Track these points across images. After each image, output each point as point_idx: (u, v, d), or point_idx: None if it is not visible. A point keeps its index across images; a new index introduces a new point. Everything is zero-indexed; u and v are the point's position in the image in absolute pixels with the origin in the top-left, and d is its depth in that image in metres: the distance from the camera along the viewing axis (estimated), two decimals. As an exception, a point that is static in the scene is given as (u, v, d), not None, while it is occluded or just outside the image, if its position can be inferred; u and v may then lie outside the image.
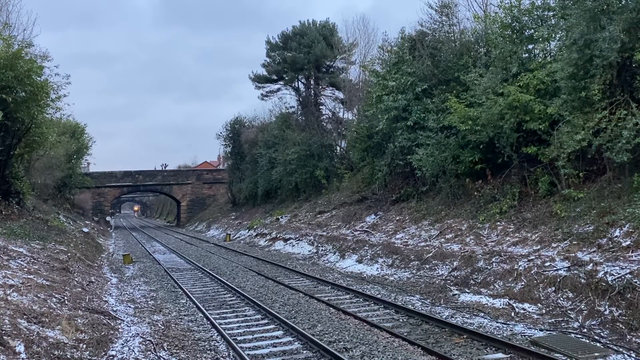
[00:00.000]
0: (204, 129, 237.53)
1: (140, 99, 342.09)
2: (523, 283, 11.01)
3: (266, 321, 10.31)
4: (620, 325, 8.44)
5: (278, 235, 27.07)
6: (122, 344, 8.16)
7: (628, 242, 10.40)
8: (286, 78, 41.72)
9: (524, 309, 10.14)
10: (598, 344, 8.00)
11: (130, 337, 8.66)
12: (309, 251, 21.89)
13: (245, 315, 10.92)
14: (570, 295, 9.80)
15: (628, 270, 9.22)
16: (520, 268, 11.49)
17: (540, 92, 15.17)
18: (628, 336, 8.12)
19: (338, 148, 35.71)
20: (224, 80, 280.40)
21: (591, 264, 10.02)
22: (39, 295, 9.21)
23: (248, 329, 9.72)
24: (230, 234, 34.06)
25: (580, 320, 9.04)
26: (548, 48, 16.68)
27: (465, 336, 8.76)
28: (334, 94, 40.75)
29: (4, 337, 6.46)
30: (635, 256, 9.82)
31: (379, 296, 12.15)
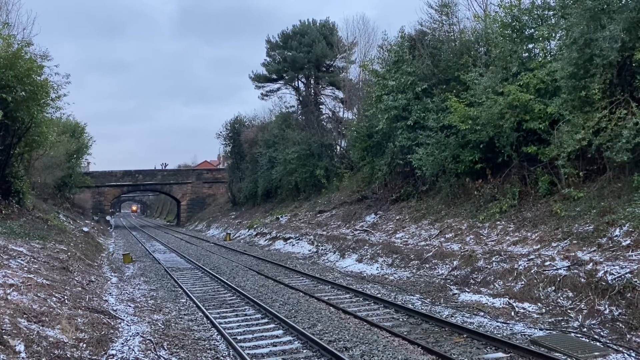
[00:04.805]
0: (208, 131, 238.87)
1: (151, 102, 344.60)
2: (523, 282, 11.01)
3: (266, 320, 10.31)
4: (620, 325, 8.44)
5: (278, 235, 27.08)
6: (122, 343, 8.15)
7: (628, 242, 10.40)
8: (286, 77, 41.71)
9: (523, 309, 10.14)
10: (598, 343, 8.00)
11: (130, 336, 8.65)
12: (309, 250, 21.89)
13: (245, 315, 10.92)
14: (570, 294, 9.80)
15: (628, 270, 9.22)
16: (520, 267, 11.49)
17: (540, 91, 15.17)
18: (628, 335, 8.12)
19: (338, 147, 35.70)
20: (232, 86, 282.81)
21: (591, 264, 10.02)
22: (39, 295, 9.20)
23: (248, 328, 9.72)
24: (230, 234, 34.06)
25: (580, 320, 9.04)
26: (548, 47, 16.67)
27: (465, 335, 8.76)
28: (334, 94, 40.77)
29: (4, 336, 6.46)
30: (635, 255, 9.82)
31: (379, 295, 12.15)
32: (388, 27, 63.94)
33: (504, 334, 8.79)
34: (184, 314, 10.97)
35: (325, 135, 35.00)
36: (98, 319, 9.15)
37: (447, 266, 13.85)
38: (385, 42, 23.89)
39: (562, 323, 9.13)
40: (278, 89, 43.82)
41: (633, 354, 7.50)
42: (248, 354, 8.01)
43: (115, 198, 65.19)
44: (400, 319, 10.14)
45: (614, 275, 9.26)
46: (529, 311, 9.98)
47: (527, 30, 16.91)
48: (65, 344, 7.16)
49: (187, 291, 13.50)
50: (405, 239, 17.86)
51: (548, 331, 8.79)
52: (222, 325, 9.77)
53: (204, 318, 10.56)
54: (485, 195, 16.97)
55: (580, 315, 9.14)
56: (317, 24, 40.71)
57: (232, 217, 44.17)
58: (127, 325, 9.38)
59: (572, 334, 8.52)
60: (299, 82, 42.03)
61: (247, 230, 33.79)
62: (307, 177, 33.97)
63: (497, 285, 11.60)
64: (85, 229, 29.54)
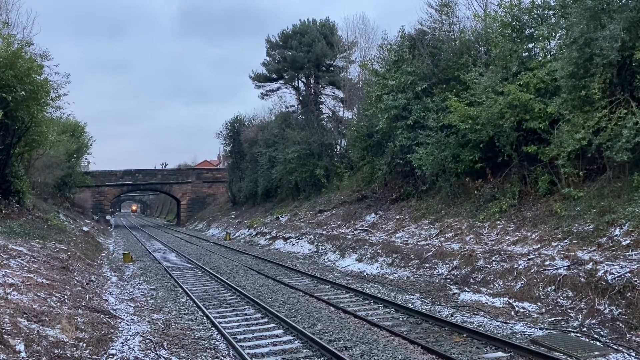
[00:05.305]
0: (209, 130, 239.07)
1: (152, 102, 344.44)
2: (523, 282, 11.01)
3: (266, 320, 10.31)
4: (620, 324, 8.44)
5: (278, 234, 27.08)
6: (122, 343, 8.15)
7: (628, 241, 10.40)
8: (286, 77, 41.70)
9: (523, 308, 10.14)
10: (598, 343, 8.00)
11: (130, 335, 8.65)
12: (309, 250, 21.89)
13: (245, 314, 10.92)
14: (570, 294, 9.80)
15: (628, 269, 9.22)
16: (520, 267, 11.49)
17: (540, 91, 15.17)
18: (628, 335, 8.12)
19: (338, 147, 35.72)
20: (233, 86, 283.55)
21: (591, 263, 10.02)
22: (39, 294, 9.21)
23: (248, 328, 9.72)
24: (230, 233, 34.06)
25: (580, 319, 9.04)
26: (548, 47, 16.68)
27: (465, 335, 8.76)
28: (334, 93, 40.79)
29: (4, 335, 6.46)
30: (635, 255, 9.82)
31: (378, 295, 12.15)
32: (388, 27, 63.91)
33: (504, 334, 8.79)
34: (184, 314, 10.97)
35: (325, 135, 35.00)
36: (98, 318, 9.15)
37: (447, 266, 13.85)
38: (385, 41, 23.89)
39: (562, 322, 9.13)
40: (278, 88, 43.87)
41: (633, 354, 7.51)
42: (248, 353, 8.01)
43: (115, 197, 65.20)
44: (400, 319, 10.14)
45: (614, 274, 9.26)
46: (529, 311, 9.98)
47: (527, 29, 16.91)
48: (65, 343, 7.17)
49: (187, 291, 13.50)
50: (405, 239, 17.87)
51: (548, 331, 8.79)
52: (222, 325, 9.77)
53: (204, 317, 10.57)
54: (485, 194, 16.97)
55: (580, 315, 9.15)
56: (317, 23, 40.69)
57: (232, 216, 44.18)
58: (127, 325, 9.38)
59: (572, 334, 8.52)
60: (299, 81, 42.03)
61: (247, 229, 33.79)
62: (307, 177, 33.98)
63: (497, 285, 11.60)
64: (85, 229, 29.55)
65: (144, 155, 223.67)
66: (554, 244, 12.05)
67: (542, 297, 10.25)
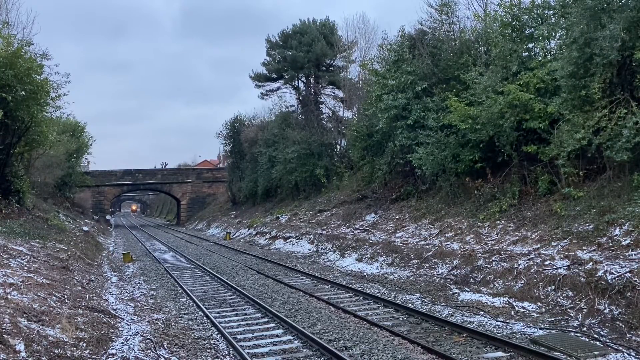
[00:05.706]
0: (209, 130, 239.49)
1: (152, 102, 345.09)
2: (523, 282, 11.01)
3: (266, 320, 10.32)
4: (620, 324, 8.44)
5: (278, 234, 27.08)
6: (122, 343, 8.15)
7: (628, 241, 10.40)
8: (286, 77, 41.70)
9: (523, 308, 10.14)
10: (598, 343, 8.00)
11: (130, 335, 8.65)
12: (309, 250, 21.89)
13: (245, 314, 10.92)
14: (570, 294, 9.81)
15: (628, 269, 9.22)
16: (520, 267, 11.49)
17: (540, 90, 15.18)
18: (628, 335, 8.12)
19: (338, 147, 35.73)
20: (233, 86, 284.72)
21: (591, 263, 10.02)
22: (39, 294, 9.21)
23: (248, 328, 9.72)
24: (230, 233, 34.06)
25: (580, 319, 9.04)
26: (548, 47, 16.68)
27: (465, 335, 8.76)
28: (334, 93, 40.78)
29: (4, 335, 6.46)
30: (635, 255, 9.82)
31: (378, 295, 12.15)
32: (388, 27, 63.90)
33: (504, 333, 8.79)
34: (184, 313, 10.98)
35: (325, 135, 35.00)
36: (98, 318, 9.15)
37: (447, 265, 13.85)
38: (385, 41, 23.88)
39: (562, 322, 9.13)
40: (278, 88, 43.88)
41: (633, 353, 7.51)
42: (248, 353, 8.01)
43: (115, 197, 65.18)
44: (400, 318, 10.15)
45: (614, 274, 9.26)
46: (529, 310, 9.98)
47: (527, 29, 16.91)
48: (65, 343, 7.17)
49: (187, 290, 13.50)
50: (405, 238, 17.87)
51: (548, 330, 8.79)
52: (222, 325, 9.78)
53: (204, 317, 10.57)
54: (485, 194, 16.97)
55: (580, 315, 9.15)
56: (317, 23, 40.68)
57: (232, 216, 44.18)
58: (127, 325, 9.38)
59: (572, 333, 8.53)
60: (299, 81, 42.04)
61: (247, 229, 33.79)
62: (307, 177, 33.98)
63: (497, 285, 11.60)
64: (85, 229, 29.55)
65: (144, 155, 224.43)
66: (554, 243, 12.05)
67: (542, 296, 10.25)
